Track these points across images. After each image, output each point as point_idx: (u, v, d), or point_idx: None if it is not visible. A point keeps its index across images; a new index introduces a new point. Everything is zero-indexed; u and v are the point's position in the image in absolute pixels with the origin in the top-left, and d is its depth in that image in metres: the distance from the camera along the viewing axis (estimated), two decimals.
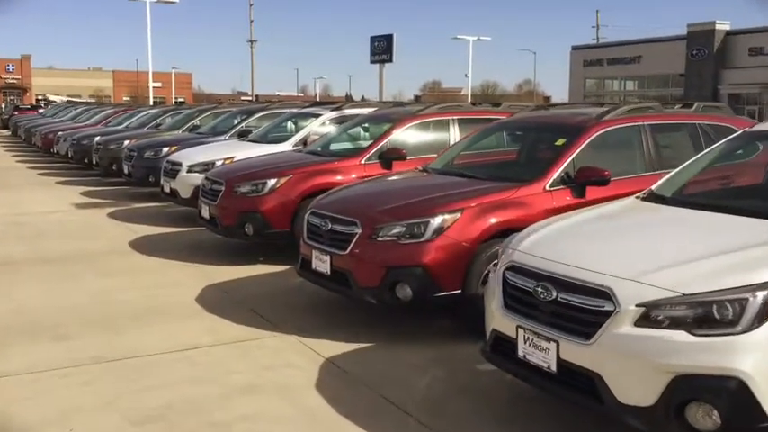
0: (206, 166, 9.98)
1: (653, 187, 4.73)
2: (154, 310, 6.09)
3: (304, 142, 10.32)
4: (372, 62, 38.35)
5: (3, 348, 5.09)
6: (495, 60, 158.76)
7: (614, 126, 6.16)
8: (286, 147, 10.27)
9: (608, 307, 3.29)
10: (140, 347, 5.13)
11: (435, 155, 8.09)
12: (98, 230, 9.92)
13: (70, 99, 59.94)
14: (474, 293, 5.14)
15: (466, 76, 49.85)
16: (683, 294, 3.14)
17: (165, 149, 12.39)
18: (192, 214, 10.44)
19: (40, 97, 55.35)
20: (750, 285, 3.05)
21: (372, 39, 38.49)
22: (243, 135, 12.34)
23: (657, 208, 4.39)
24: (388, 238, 5.22)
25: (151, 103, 31.87)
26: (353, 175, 7.81)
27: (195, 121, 15.27)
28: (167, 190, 10.43)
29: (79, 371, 4.70)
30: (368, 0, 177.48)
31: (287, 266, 7.57)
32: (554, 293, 3.52)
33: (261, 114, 13.11)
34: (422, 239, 5.13)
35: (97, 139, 16.15)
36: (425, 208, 5.29)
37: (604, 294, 3.31)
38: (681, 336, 3.09)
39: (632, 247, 3.71)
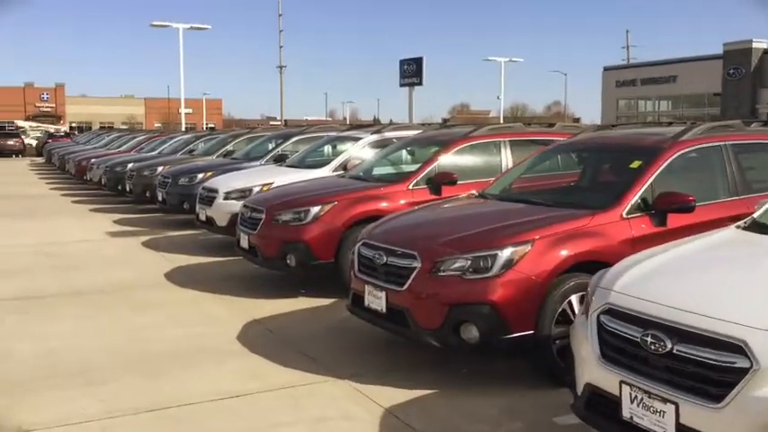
0: (243, 193, 9.60)
1: (755, 215, 4.17)
2: (193, 351, 5.64)
3: (344, 167, 9.89)
4: (402, 85, 38.15)
5: (32, 396, 4.67)
6: (523, 82, 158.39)
7: (694, 146, 5.61)
8: (325, 172, 9.86)
9: (741, 363, 2.75)
10: (180, 395, 4.67)
11: (487, 179, 7.63)
12: (132, 260, 9.56)
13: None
14: (547, 335, 4.62)
15: (498, 98, 49.47)
16: None
17: (200, 175, 12.06)
18: (229, 243, 10.06)
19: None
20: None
21: (402, 62, 38.34)
22: (279, 160, 12.00)
23: (765, 239, 3.84)
24: (451, 273, 4.71)
25: (183, 129, 31.89)
26: (401, 201, 7.35)
27: (229, 147, 14.97)
28: (203, 218, 10.05)
29: (115, 423, 4.24)
30: (394, 24, 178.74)
31: (331, 300, 7.11)
32: (668, 345, 2.98)
33: (297, 138, 12.75)
34: (489, 274, 4.61)
35: (130, 165, 15.94)
36: (491, 239, 4.78)
37: (737, 348, 2.77)
38: None
39: (757, 288, 3.15)
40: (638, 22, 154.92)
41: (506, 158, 7.94)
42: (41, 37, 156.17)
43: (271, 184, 9.61)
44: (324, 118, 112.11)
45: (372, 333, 5.69)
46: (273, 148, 12.66)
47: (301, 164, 10.80)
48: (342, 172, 9.47)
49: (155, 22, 31.97)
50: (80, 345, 5.82)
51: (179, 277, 8.37)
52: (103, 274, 8.58)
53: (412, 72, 38.00)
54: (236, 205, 9.45)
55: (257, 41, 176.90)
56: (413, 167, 8.41)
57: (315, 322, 6.46)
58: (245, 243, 7.67)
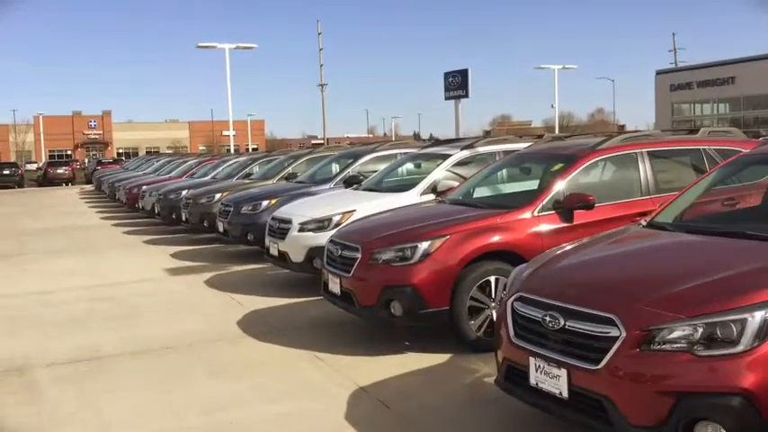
0: (321, 223, 8.35)
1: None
2: None
3: (433, 189, 8.58)
4: (447, 98, 36.73)
5: None
6: (565, 90, 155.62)
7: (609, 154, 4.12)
8: (413, 196, 8.55)
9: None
10: None
11: (626, 200, 6.28)
12: (198, 304, 8.35)
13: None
14: None
15: (552, 106, 47.64)
16: None
17: (265, 203, 10.88)
18: (304, 279, 8.81)
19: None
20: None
21: (446, 74, 36.92)
22: (350, 183, 10.75)
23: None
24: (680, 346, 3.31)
25: (232, 151, 31.04)
26: (528, 231, 6.00)
27: (289, 169, 13.78)
28: (274, 252, 8.81)
29: None
30: (427, 39, 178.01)
31: (445, 355, 5.80)
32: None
33: (368, 158, 11.47)
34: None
35: (185, 193, 14.88)
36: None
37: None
38: None
39: None
40: (683, 25, 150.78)
41: (646, 174, 6.52)
42: (87, 64, 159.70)
43: (352, 212, 8.33)
44: (365, 135, 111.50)
45: (513, 407, 4.32)
46: (342, 170, 11.40)
47: (380, 187, 9.52)
48: (436, 197, 8.16)
49: (201, 44, 31.30)
50: (146, 429, 4.58)
51: (256, 326, 7.12)
52: (168, 324, 7.38)
53: (457, 84, 36.53)
54: (314, 238, 8.25)
55: (296, 60, 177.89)
56: (527, 188, 7.08)
57: (435, 390, 5.11)
58: (335, 287, 6.37)
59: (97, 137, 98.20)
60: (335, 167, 12.63)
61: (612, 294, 3.63)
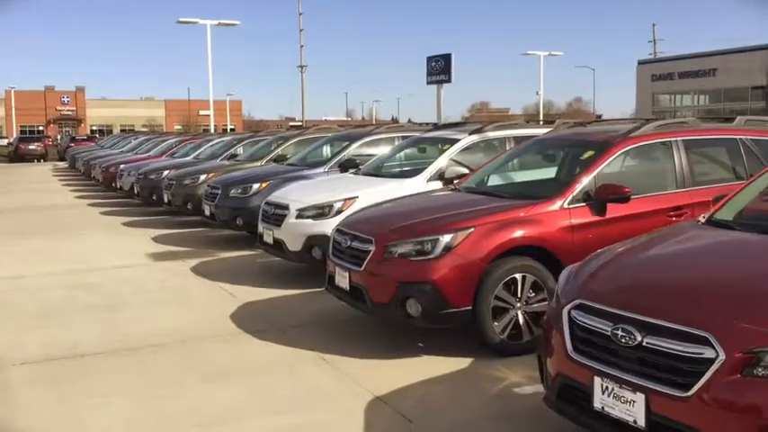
0: (321, 210, 7.75)
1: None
2: None
3: (441, 176, 8.02)
4: (429, 83, 36.22)
5: None
6: (546, 78, 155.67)
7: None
8: (418, 182, 7.98)
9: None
10: None
11: (661, 192, 5.80)
12: (186, 295, 7.72)
13: None
14: None
15: (537, 93, 47.25)
16: None
17: (255, 186, 10.25)
18: (300, 269, 8.20)
19: None
20: None
21: (429, 59, 36.42)
22: (346, 167, 10.17)
23: None
24: None
25: (212, 131, 30.17)
26: (559, 225, 5.47)
27: (278, 151, 13.11)
28: (269, 240, 8.20)
29: None
30: (407, 24, 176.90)
31: (466, 359, 5.29)
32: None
33: (365, 141, 10.85)
34: None
35: (167, 173, 14.16)
36: None
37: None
38: None
39: None
40: (665, 16, 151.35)
41: (681, 164, 6.01)
42: (60, 39, 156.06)
43: (355, 198, 7.74)
44: (344, 118, 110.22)
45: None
46: (337, 153, 10.77)
47: (381, 172, 8.93)
48: (444, 185, 7.61)
49: (182, 19, 30.22)
50: None
51: (252, 321, 6.52)
52: (155, 318, 6.75)
53: (440, 69, 36.15)
54: (314, 225, 7.68)
55: (275, 40, 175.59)
56: (556, 177, 6.55)
57: (461, 402, 4.57)
58: (343, 282, 5.78)
59: (70, 113, 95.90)
60: (328, 150, 12.02)
61: (704, 306, 3.08)
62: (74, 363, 5.48)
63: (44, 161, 45.03)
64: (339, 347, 5.68)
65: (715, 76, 49.89)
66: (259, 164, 12.72)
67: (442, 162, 8.18)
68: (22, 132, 74.56)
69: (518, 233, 5.34)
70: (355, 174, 9.11)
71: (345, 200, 7.73)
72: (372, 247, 5.49)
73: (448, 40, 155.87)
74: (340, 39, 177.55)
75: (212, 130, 30.86)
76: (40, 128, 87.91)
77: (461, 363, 5.26)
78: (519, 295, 5.35)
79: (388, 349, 5.61)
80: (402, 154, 9.48)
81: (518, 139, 8.55)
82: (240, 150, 15.41)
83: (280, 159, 12.40)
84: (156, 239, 11.47)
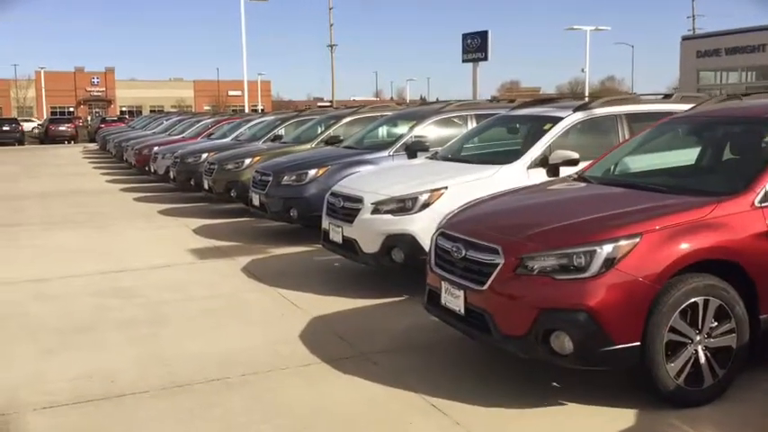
0: (403, 204, 6.40)
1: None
2: None
3: (543, 160, 6.63)
4: (465, 61, 34.69)
5: None
6: (577, 55, 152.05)
7: None
8: (517, 169, 6.59)
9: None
10: None
11: None
12: (241, 304, 6.45)
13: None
14: None
15: (583, 70, 45.31)
16: None
17: (312, 172, 8.94)
18: (375, 271, 6.84)
19: None
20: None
21: (465, 36, 34.92)
22: (413, 150, 8.84)
23: None
24: None
25: (246, 111, 28.94)
26: (753, 230, 4.05)
27: (330, 131, 11.75)
28: (336, 238, 6.87)
29: None
30: (437, 4, 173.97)
31: (623, 409, 3.89)
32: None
33: (434, 120, 9.45)
34: None
35: (206, 156, 12.91)
36: None
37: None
38: None
39: None
40: None
41: None
42: (90, 20, 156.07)
43: (443, 189, 6.38)
44: (372, 98, 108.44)
45: None
46: (404, 135, 9.38)
47: (462, 156, 7.55)
48: (554, 172, 6.23)
49: None
50: None
51: (327, 344, 5.22)
52: (207, 337, 5.48)
53: (476, 47, 34.72)
54: (394, 222, 6.35)
55: (302, 20, 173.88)
56: (721, 165, 5.12)
57: None
58: (455, 303, 4.42)
59: (100, 94, 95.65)
60: (389, 131, 10.69)
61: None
62: (111, 407, 4.22)
63: (74, 142, 44.27)
64: (449, 387, 4.36)
65: (764, 51, 47.53)
66: (309, 146, 11.40)
67: (543, 144, 6.76)
68: (52, 113, 74.28)
69: (704, 243, 3.94)
70: (432, 159, 7.73)
71: (432, 191, 6.36)
72: (500, 260, 4.11)
73: (475, 17, 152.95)
74: (369, 16, 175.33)
75: (246, 111, 29.64)
76: (71, 109, 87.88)
77: (622, 416, 3.91)
78: (699, 326, 3.97)
79: (515, 390, 4.28)
80: (486, 135, 8.08)
81: (631, 117, 7.16)
82: (282, 132, 14.09)
83: (332, 141, 11.07)
84: (198, 231, 10.23)
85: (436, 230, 4.88)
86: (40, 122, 60.72)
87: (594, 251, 3.86)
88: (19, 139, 42.74)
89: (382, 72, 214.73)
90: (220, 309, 6.29)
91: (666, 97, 7.76)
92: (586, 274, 3.86)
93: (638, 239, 3.89)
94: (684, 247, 3.92)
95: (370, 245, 6.47)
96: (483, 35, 34.48)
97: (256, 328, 5.71)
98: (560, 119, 6.99)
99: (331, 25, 51.66)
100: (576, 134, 6.95)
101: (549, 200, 4.95)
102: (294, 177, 8.97)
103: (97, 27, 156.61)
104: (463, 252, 4.39)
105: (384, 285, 6.77)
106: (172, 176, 14.29)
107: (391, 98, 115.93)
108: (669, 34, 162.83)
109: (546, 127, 7.00)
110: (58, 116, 63.10)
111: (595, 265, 3.85)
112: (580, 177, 5.35)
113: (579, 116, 7.03)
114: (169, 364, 4.88)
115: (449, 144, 8.05)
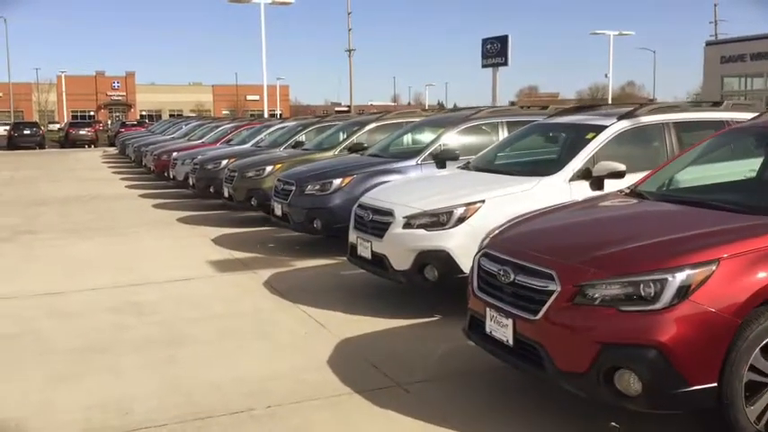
0: (436, 218, 6.00)
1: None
2: None
3: (585, 172, 6.20)
4: (485, 66, 34.33)
5: None
6: (599, 61, 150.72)
7: None
8: (558, 181, 6.17)
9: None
10: None
11: None
12: (264, 323, 6.06)
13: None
14: None
15: (606, 75, 44.67)
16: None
17: (337, 181, 8.57)
18: (403, 287, 6.42)
19: None
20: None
21: (485, 41, 34.60)
22: (442, 159, 8.49)
23: None
24: None
25: (266, 116, 28.69)
26: None
27: (353, 138, 11.37)
28: (365, 254, 6.47)
29: None
30: (452, 11, 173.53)
31: None
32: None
33: (464, 127, 9.05)
34: None
35: (226, 163, 12.61)
36: None
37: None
38: None
39: None
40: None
41: None
42: (111, 25, 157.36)
43: (480, 203, 5.96)
44: (390, 103, 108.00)
45: None
46: (430, 143, 8.99)
47: (496, 167, 7.12)
48: (597, 184, 5.82)
49: None
50: None
51: (359, 371, 4.81)
52: (229, 361, 5.10)
53: (495, 51, 34.35)
54: (428, 238, 5.94)
55: (320, 24, 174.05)
56: None
57: None
58: (501, 332, 3.99)
59: (120, 98, 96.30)
60: (415, 138, 10.30)
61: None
62: None
63: (94, 146, 44.29)
64: (494, 425, 3.95)
65: None
66: (332, 154, 11.04)
67: (586, 154, 6.33)
68: (73, 117, 74.73)
69: None
70: (464, 169, 7.32)
71: (468, 205, 5.95)
72: (556, 287, 3.69)
73: (491, 22, 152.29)
74: (387, 21, 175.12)
75: (266, 116, 29.40)
76: (91, 113, 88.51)
77: None
78: None
79: (568, 428, 3.86)
80: (522, 144, 7.66)
81: (679, 126, 6.72)
82: (303, 138, 13.73)
83: (356, 149, 10.69)
84: (218, 241, 9.89)
85: (479, 250, 4.46)
86: (60, 126, 61.12)
87: (666, 279, 3.43)
88: (40, 142, 42.84)
89: (400, 77, 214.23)
90: (242, 328, 5.91)
91: (716, 105, 7.31)
92: (657, 306, 3.43)
93: (714, 266, 3.45)
94: (766, 275, 3.47)
95: (401, 261, 6.06)
96: (503, 40, 34.09)
97: (281, 351, 5.32)
98: (604, 127, 6.55)
99: (349, 30, 51.37)
100: (620, 144, 6.50)
101: (604, 218, 4.52)
102: (318, 187, 8.60)
103: (118, 31, 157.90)
104: (512, 276, 3.97)
105: (414, 304, 6.37)
106: (191, 183, 13.98)
107: (409, 103, 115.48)
108: (688, 40, 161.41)
109: (589, 136, 6.57)
110: (78, 120, 63.29)
111: (667, 296, 3.42)
112: (634, 193, 4.91)
113: (624, 125, 6.59)
114: (188, 393, 4.50)
115: (482, 153, 7.63)
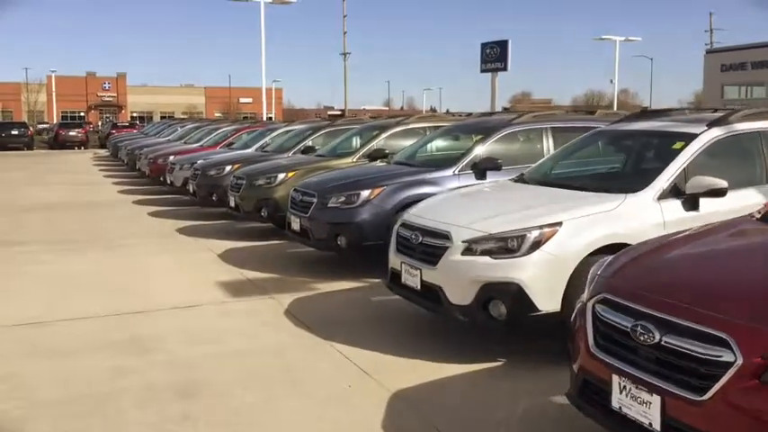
0: (504, 243, 4.95)
1: None
2: None
3: (676, 189, 5.21)
4: (484, 71, 33.46)
5: None
6: (595, 68, 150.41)
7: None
8: (645, 200, 5.18)
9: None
10: None
11: None
12: (292, 367, 4.99)
13: None
14: None
15: (611, 81, 43.90)
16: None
17: (364, 193, 7.55)
18: (451, 327, 5.38)
19: None
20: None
21: (484, 45, 33.71)
22: (482, 168, 7.53)
23: None
24: None
25: (264, 119, 27.63)
26: None
27: (373, 144, 10.31)
28: (413, 283, 5.40)
29: None
30: (449, 17, 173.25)
31: None
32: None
33: (504, 133, 8.04)
34: None
35: (230, 169, 11.55)
36: None
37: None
38: None
39: None
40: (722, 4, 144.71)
41: None
42: (102, 25, 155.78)
43: (557, 225, 4.93)
44: (383, 107, 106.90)
45: None
46: (470, 150, 7.96)
47: (559, 180, 6.10)
48: (691, 203, 4.82)
49: None
50: None
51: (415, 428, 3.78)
52: (254, 424, 4.04)
53: (495, 56, 33.52)
54: (494, 268, 4.93)
55: (314, 27, 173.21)
56: None
57: None
58: (643, 414, 2.91)
59: (111, 99, 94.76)
60: (441, 145, 9.33)
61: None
62: None
63: (84, 148, 43.01)
64: None
65: None
66: (350, 161, 10.00)
67: (676, 169, 5.33)
68: (63, 118, 73.26)
69: None
70: (518, 181, 6.29)
71: (543, 227, 4.92)
72: (734, 358, 2.65)
73: (484, 27, 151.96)
74: (381, 25, 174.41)
75: (264, 118, 28.34)
76: (81, 114, 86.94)
77: None
78: None
79: None
80: (584, 153, 6.65)
81: None
82: (311, 142, 12.67)
83: (377, 156, 9.65)
84: (225, 257, 8.81)
85: (591, 295, 3.41)
86: (48, 127, 59.78)
87: None
88: (27, 143, 41.49)
89: (393, 82, 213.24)
90: (267, 373, 4.85)
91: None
92: None
93: None
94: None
95: (459, 295, 5.01)
96: (502, 45, 33.18)
97: (320, 409, 4.26)
98: (694, 136, 5.55)
99: (344, 33, 50.37)
100: (711, 156, 5.52)
101: (743, 247, 3.51)
102: (343, 199, 7.57)
103: (109, 32, 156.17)
104: (657, 337, 2.93)
105: (468, 342, 5.35)
106: (191, 190, 12.89)
107: (401, 108, 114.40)
108: (684, 48, 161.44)
109: (676, 146, 5.56)
110: (68, 121, 61.88)
111: None
112: (755, 217, 3.89)
113: (716, 132, 5.59)
114: None
115: (539, 163, 6.62)
